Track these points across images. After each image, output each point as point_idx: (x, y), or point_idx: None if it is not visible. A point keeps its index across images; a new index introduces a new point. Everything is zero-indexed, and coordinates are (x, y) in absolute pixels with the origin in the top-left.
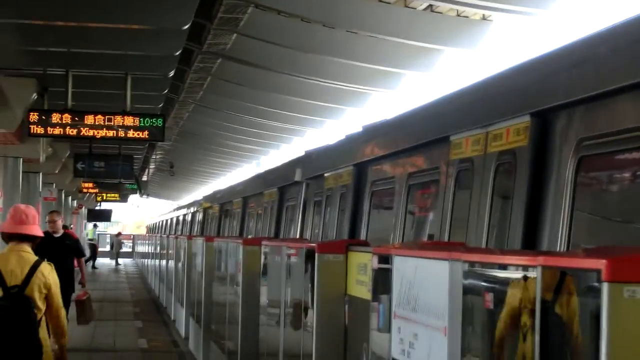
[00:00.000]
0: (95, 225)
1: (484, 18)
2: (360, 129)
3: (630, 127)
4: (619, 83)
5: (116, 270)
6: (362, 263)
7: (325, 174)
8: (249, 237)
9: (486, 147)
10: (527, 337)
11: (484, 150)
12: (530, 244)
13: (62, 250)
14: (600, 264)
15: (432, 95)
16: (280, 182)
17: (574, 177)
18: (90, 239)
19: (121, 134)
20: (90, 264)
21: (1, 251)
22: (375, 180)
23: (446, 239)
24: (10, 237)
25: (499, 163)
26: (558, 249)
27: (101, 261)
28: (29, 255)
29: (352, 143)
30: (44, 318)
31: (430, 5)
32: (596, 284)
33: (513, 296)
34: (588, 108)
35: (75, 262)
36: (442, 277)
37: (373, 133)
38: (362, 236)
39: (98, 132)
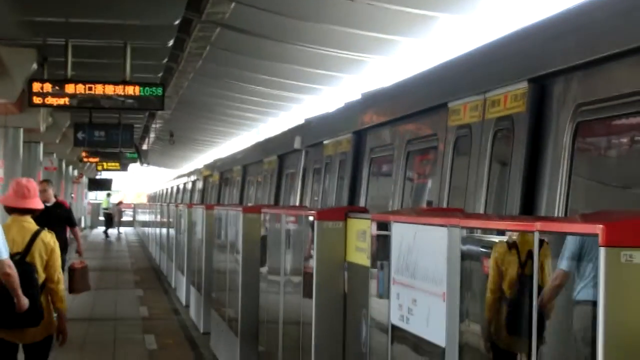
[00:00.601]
0: (108, 195)
1: None
2: (359, 97)
3: (627, 92)
4: (616, 48)
5: (118, 239)
6: (361, 230)
7: (325, 142)
8: (249, 204)
9: (484, 113)
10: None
11: (482, 116)
12: (529, 209)
13: (53, 219)
14: (597, 228)
15: (428, 62)
16: (279, 150)
17: (572, 142)
18: (105, 208)
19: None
20: (113, 231)
21: (5, 222)
22: (374, 147)
23: (445, 205)
24: (12, 210)
25: (497, 129)
26: (556, 214)
27: (101, 230)
28: (31, 224)
29: (351, 111)
30: (45, 284)
31: None
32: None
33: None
34: (586, 74)
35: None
36: (440, 243)
37: (372, 100)
38: (362, 203)
39: (98, 102)
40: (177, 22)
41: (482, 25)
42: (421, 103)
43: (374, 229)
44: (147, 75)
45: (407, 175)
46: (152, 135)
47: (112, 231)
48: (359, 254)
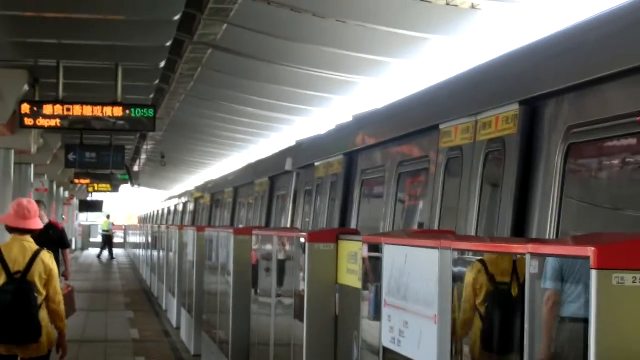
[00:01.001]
0: (108, 217)
1: (472, 7)
2: (350, 119)
3: (618, 114)
4: (607, 71)
5: (107, 261)
6: (353, 252)
7: (316, 163)
8: (240, 226)
9: (475, 135)
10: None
11: (474, 138)
12: (520, 231)
13: (46, 240)
14: (589, 251)
15: (419, 84)
16: (271, 171)
17: (563, 164)
18: (105, 230)
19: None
20: (106, 254)
21: (5, 242)
22: (365, 169)
23: (436, 227)
24: (12, 229)
25: (489, 151)
26: (547, 237)
27: (93, 252)
28: (31, 244)
29: (342, 132)
30: (44, 302)
31: None
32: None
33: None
34: (577, 96)
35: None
36: (432, 265)
37: (363, 122)
38: (353, 225)
39: (89, 124)
40: (168, 44)
41: (473, 47)
42: (413, 125)
43: (365, 251)
44: (139, 97)
45: (398, 197)
46: (143, 156)
47: (106, 253)
48: (350, 276)
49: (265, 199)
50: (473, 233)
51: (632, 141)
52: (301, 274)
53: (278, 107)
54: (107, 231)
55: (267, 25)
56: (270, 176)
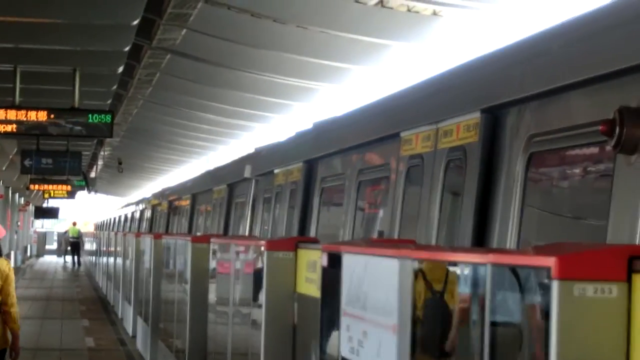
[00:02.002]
0: (74, 223)
1: (434, 13)
2: (310, 126)
3: (579, 123)
4: (568, 79)
5: (64, 267)
6: (312, 260)
7: (275, 171)
8: (198, 234)
9: (436, 143)
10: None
11: (434, 146)
12: (481, 240)
13: None
14: (550, 261)
15: (381, 91)
16: (229, 179)
17: (524, 173)
18: (74, 237)
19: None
20: (75, 259)
21: None
22: (325, 176)
23: (396, 236)
24: None
25: (449, 159)
26: (508, 246)
27: (48, 259)
28: None
29: (301, 140)
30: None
31: (381, 1)
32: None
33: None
34: (538, 104)
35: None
36: (391, 274)
37: (323, 130)
38: (312, 233)
39: (45, 129)
40: (127, 49)
41: (435, 53)
42: (375, 132)
43: (324, 260)
44: (96, 102)
45: (358, 205)
46: (100, 162)
47: (68, 258)
48: (309, 285)
49: (223, 206)
50: (433, 242)
51: (594, 150)
52: (259, 283)
53: (238, 114)
54: (76, 238)
55: (227, 31)
56: (229, 183)
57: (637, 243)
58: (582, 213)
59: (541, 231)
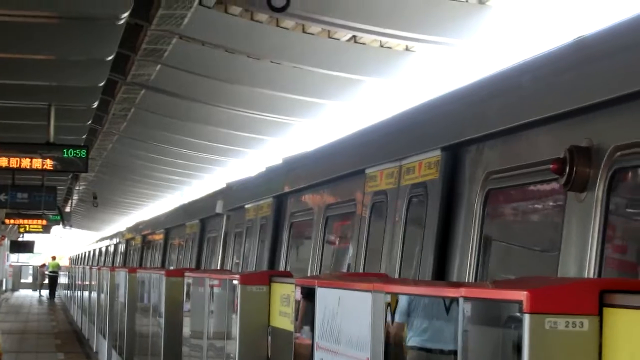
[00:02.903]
0: (53, 258)
1: (407, 49)
2: (280, 162)
3: (534, 161)
4: (523, 119)
5: (39, 301)
6: (285, 294)
7: (246, 206)
8: (171, 268)
9: (400, 180)
10: None
11: (398, 183)
12: (441, 274)
13: None
14: (522, 295)
15: (352, 126)
16: (201, 214)
17: (482, 209)
18: (52, 271)
19: (45, 165)
20: (48, 293)
21: None
22: (294, 211)
23: (361, 270)
24: None
25: (412, 195)
26: (467, 280)
27: (23, 292)
28: None
29: (271, 175)
30: None
31: (354, 36)
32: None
33: None
34: (495, 143)
35: None
36: (364, 308)
37: (292, 166)
38: (282, 267)
39: (21, 164)
40: (101, 84)
41: (407, 88)
42: (342, 168)
43: (298, 294)
44: (71, 137)
45: (325, 239)
46: (75, 197)
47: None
48: (283, 319)
49: (195, 241)
50: (397, 276)
51: (547, 187)
52: (233, 316)
53: (212, 148)
54: (54, 272)
55: (201, 66)
56: (201, 218)
57: (585, 275)
58: (536, 248)
59: (499, 266)
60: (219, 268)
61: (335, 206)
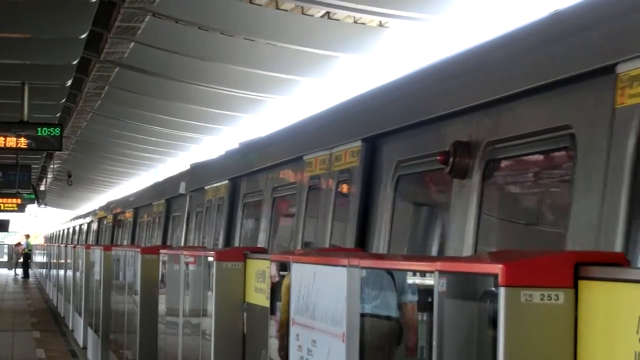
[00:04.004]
0: (27, 236)
1: (380, 25)
2: (237, 145)
3: (430, 152)
4: (423, 117)
5: (15, 280)
6: (260, 270)
7: (206, 187)
8: (142, 245)
9: (330, 166)
10: None
11: (329, 168)
12: (362, 243)
13: None
14: (497, 268)
15: (328, 101)
16: (167, 194)
17: (394, 191)
18: (29, 249)
19: (19, 144)
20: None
21: None
22: (246, 193)
23: (299, 246)
24: None
25: (339, 180)
26: (381, 248)
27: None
28: None
29: (228, 158)
30: None
31: (328, 13)
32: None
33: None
34: (404, 135)
35: None
36: (340, 283)
37: (246, 150)
38: (236, 244)
39: None
40: (75, 62)
41: (382, 64)
42: (285, 155)
43: (273, 270)
44: (45, 116)
45: (273, 218)
46: (49, 175)
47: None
48: (258, 295)
49: (162, 219)
50: (327, 245)
51: (437, 176)
52: (209, 293)
53: (186, 126)
54: (29, 250)
55: (175, 43)
56: (167, 198)
57: (465, 246)
58: (429, 227)
59: (408, 243)
60: (182, 245)
61: (281, 189)
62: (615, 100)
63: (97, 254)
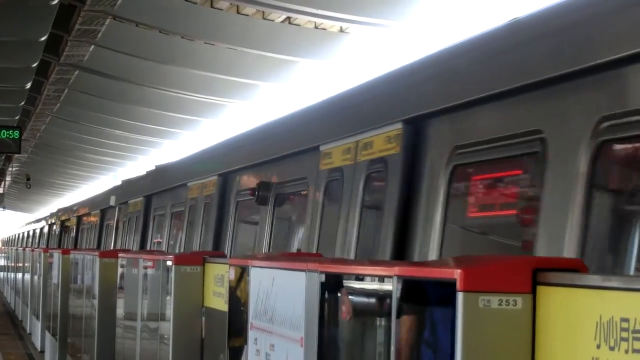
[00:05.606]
0: None
1: (341, 30)
2: (153, 168)
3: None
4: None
5: None
6: (219, 274)
7: (130, 201)
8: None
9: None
10: None
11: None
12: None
13: None
14: (455, 273)
15: (288, 106)
16: (102, 205)
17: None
18: None
19: None
20: None
21: None
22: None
23: (315, 251)
24: None
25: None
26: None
27: None
28: None
29: (145, 179)
30: None
31: (288, 18)
32: None
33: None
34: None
35: None
36: (299, 288)
37: (159, 172)
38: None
39: None
40: (34, 65)
41: (342, 69)
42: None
43: (231, 274)
44: (4, 118)
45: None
46: (8, 178)
47: None
48: (217, 299)
49: (97, 227)
50: (353, 257)
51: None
52: (167, 297)
53: (146, 130)
54: None
55: (135, 47)
56: (102, 209)
57: (431, 249)
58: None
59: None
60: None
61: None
62: None
63: (55, 257)
